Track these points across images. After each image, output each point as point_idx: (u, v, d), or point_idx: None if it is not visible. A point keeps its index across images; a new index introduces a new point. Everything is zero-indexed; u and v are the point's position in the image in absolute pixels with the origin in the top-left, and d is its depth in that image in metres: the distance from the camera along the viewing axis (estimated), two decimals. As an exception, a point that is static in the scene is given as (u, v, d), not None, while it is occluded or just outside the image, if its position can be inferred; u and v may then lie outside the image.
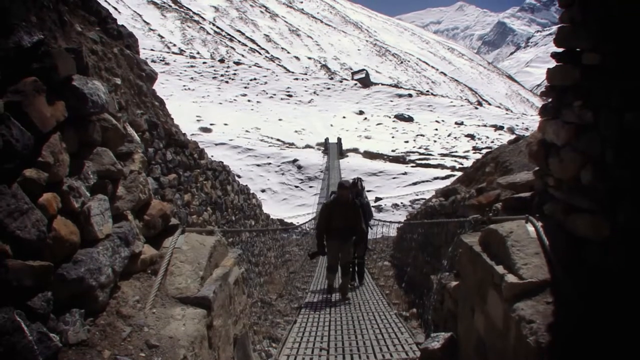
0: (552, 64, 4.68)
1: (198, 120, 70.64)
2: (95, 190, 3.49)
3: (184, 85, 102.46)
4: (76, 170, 3.29)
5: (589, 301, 3.56)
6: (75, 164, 3.29)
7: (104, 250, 3.37)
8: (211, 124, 70.14)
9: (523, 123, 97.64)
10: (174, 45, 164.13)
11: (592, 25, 3.92)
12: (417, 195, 46.21)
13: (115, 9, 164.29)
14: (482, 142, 74.55)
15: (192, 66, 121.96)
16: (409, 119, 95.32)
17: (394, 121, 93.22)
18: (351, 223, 11.55)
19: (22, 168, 2.68)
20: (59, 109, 3.07)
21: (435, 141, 76.66)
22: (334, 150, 66.21)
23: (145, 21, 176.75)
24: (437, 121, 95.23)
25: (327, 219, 11.66)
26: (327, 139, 71.18)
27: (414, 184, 51.37)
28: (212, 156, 11.62)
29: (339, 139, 69.94)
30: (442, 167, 57.55)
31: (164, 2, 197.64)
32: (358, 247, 12.49)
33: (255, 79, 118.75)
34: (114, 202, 3.77)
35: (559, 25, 4.55)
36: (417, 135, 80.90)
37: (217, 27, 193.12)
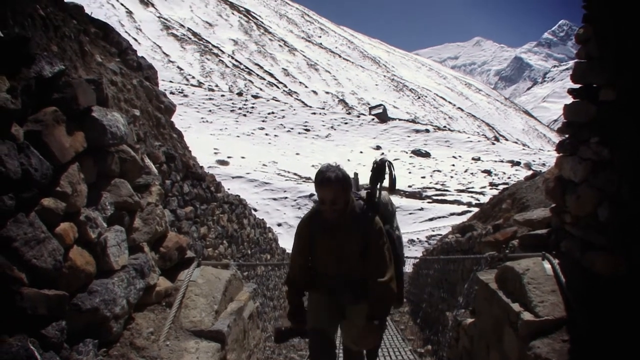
0: (569, 99, 4.69)
1: (215, 153, 70.89)
2: (112, 221, 3.51)
3: (202, 118, 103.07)
4: (94, 200, 3.31)
5: (605, 339, 3.52)
6: (93, 195, 3.31)
7: (119, 281, 3.38)
8: (228, 157, 70.37)
9: (540, 158, 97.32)
10: (193, 77, 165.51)
11: (609, 61, 3.93)
12: (433, 231, 45.95)
13: (136, 40, 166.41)
14: (498, 178, 74.30)
15: (210, 99, 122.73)
16: (426, 155, 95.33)
17: (410, 157, 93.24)
18: (357, 270, 4.71)
19: (40, 197, 2.70)
20: (78, 140, 3.10)
21: (452, 177, 76.48)
22: (350, 185, 66.02)
23: (164, 53, 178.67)
24: (454, 157, 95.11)
25: (302, 256, 4.96)
26: (343, 174, 71.09)
27: (430, 219, 51.11)
28: (228, 189, 11.64)
29: (356, 174, 69.36)
30: (459, 203, 57.28)
31: (184, 35, 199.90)
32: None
33: (273, 112, 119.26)
34: (131, 233, 3.79)
35: (575, 61, 4.57)
36: (434, 170, 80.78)
37: (236, 60, 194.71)
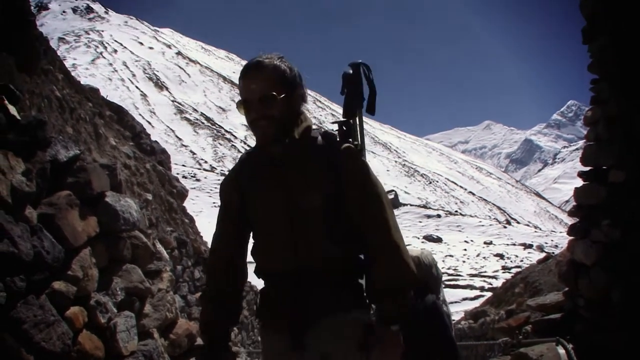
0: (580, 181, 4.74)
1: (227, 238, 70.93)
2: (122, 306, 3.51)
3: (214, 202, 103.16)
4: (104, 285, 3.32)
5: None
6: (104, 279, 3.32)
7: (128, 367, 3.35)
8: (240, 242, 70.31)
9: (552, 240, 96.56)
10: (205, 162, 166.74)
11: (617, 143, 3.98)
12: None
13: (149, 122, 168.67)
14: (511, 262, 73.63)
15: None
16: (438, 240, 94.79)
17: (422, 242, 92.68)
18: (327, 250, 2.48)
19: (52, 280, 2.72)
20: (91, 224, 3.14)
21: (464, 261, 75.85)
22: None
23: (177, 137, 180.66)
24: (465, 241, 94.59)
25: (230, 234, 2.69)
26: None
27: (443, 304, 50.54)
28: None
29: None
30: (471, 287, 56.64)
31: (197, 119, 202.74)
32: None
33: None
34: (141, 319, 3.78)
35: (584, 142, 4.64)
36: (446, 255, 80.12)
37: (248, 146, 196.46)
